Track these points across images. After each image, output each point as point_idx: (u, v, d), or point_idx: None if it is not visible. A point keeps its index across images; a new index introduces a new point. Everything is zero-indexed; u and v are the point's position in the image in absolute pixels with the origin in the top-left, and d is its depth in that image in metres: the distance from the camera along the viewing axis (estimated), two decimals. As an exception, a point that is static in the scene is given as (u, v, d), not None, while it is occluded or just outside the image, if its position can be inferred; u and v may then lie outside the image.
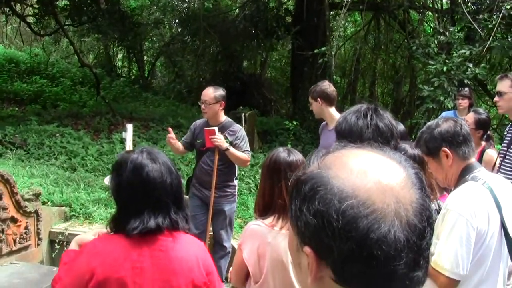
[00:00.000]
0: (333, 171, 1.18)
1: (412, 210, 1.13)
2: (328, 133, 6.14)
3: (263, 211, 3.50)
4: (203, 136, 6.52)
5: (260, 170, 10.85)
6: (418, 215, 1.13)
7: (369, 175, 1.15)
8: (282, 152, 3.51)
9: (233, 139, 6.53)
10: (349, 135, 2.88)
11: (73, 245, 3.13)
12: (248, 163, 7.08)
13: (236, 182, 6.92)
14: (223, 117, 6.68)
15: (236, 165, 6.78)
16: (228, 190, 6.73)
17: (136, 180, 2.76)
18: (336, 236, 1.11)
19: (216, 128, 6.36)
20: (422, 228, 1.14)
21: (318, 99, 6.24)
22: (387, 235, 1.09)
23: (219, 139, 6.28)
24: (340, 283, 1.16)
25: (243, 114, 13.09)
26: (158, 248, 2.77)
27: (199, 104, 6.66)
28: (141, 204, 2.74)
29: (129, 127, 7.44)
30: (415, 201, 1.15)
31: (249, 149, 6.70)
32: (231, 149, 6.38)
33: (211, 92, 6.51)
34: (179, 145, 6.78)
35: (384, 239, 1.09)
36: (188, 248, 2.87)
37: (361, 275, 1.12)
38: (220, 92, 6.55)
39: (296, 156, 3.50)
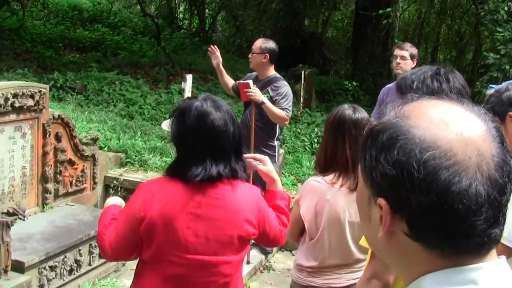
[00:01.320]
0: (412, 120, 1.13)
1: (493, 164, 1.08)
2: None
3: (324, 168, 3.46)
4: None
5: (316, 129, 10.94)
6: (499, 169, 1.08)
7: (450, 126, 1.10)
8: (347, 109, 3.43)
9: (274, 95, 6.31)
10: None
11: (115, 202, 3.17)
12: (287, 122, 6.68)
13: (276, 143, 6.64)
14: (272, 72, 6.48)
15: (278, 125, 6.52)
16: (266, 150, 6.34)
17: (201, 128, 2.73)
18: (416, 187, 1.06)
19: (250, 81, 6.19)
20: (503, 183, 1.09)
21: (414, 59, 6.52)
22: (469, 188, 1.04)
23: (254, 92, 6.07)
24: (413, 238, 1.11)
25: (302, 71, 13.04)
26: (215, 196, 2.76)
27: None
28: (204, 151, 2.72)
29: (189, 77, 7.39)
30: (496, 155, 1.09)
31: (289, 108, 6.41)
32: (267, 103, 6.14)
33: (259, 42, 6.40)
34: (225, 74, 6.84)
35: (466, 192, 1.04)
36: (244, 197, 2.86)
37: (438, 229, 1.08)
38: (269, 44, 6.36)
39: (362, 114, 3.41)
